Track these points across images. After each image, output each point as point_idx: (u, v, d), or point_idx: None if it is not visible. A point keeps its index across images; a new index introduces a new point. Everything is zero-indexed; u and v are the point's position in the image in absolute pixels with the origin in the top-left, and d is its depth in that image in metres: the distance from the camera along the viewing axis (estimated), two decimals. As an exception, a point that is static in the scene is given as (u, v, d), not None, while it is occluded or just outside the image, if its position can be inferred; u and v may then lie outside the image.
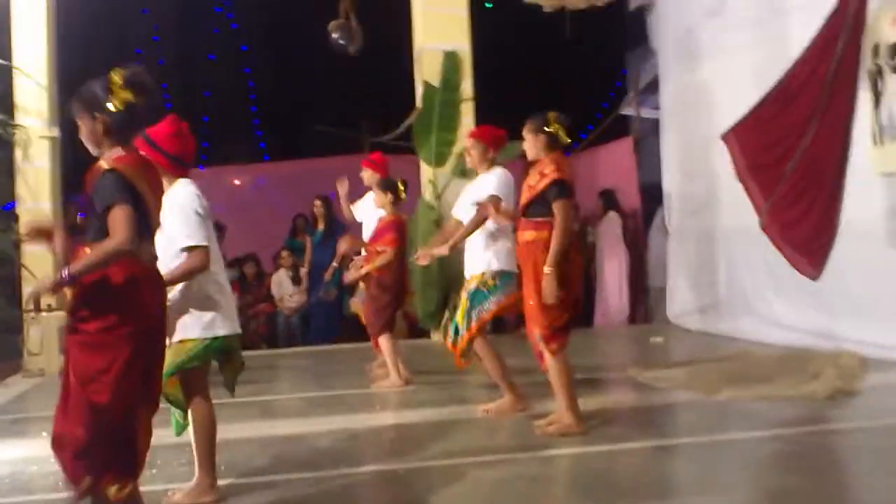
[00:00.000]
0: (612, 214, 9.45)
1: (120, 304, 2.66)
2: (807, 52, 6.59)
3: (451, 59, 8.56)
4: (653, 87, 9.90)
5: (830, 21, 6.32)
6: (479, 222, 4.77)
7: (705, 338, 7.80)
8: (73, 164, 8.13)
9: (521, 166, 5.60)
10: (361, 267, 6.11)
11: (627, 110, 10.50)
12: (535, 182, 4.24)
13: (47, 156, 8.06)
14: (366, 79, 11.03)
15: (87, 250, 2.66)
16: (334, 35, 8.37)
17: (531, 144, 4.35)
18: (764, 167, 7.25)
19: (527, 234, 4.27)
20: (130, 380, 2.65)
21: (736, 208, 7.59)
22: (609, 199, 9.54)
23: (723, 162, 7.68)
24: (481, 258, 4.83)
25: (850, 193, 6.29)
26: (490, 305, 4.77)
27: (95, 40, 10.40)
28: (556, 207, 4.15)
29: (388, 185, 6.04)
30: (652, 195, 9.85)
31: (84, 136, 2.80)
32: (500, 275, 4.78)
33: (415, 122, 8.68)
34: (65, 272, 2.56)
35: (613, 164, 10.36)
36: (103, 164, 2.69)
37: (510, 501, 3.42)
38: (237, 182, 12.25)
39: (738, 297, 7.69)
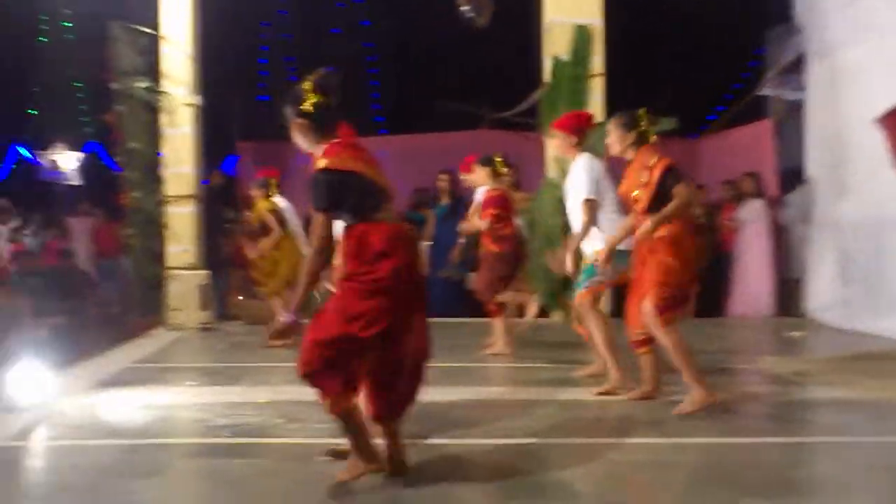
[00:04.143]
0: (759, 201, 8.95)
1: (381, 261, 3.03)
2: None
3: (581, 33, 8.30)
4: (794, 67, 9.44)
5: None
6: (588, 225, 4.99)
7: (846, 335, 7.38)
8: (212, 131, 8.48)
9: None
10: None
11: (766, 91, 10.04)
12: (646, 178, 4.26)
13: (190, 122, 8.40)
14: (489, 52, 10.94)
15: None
16: (463, 7, 8.30)
17: (617, 140, 4.46)
18: (924, 154, 6.75)
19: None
20: (380, 324, 3.01)
21: (888, 197, 7.12)
22: (757, 184, 9.06)
23: (875, 147, 7.19)
24: (598, 236, 5.00)
25: None
26: (602, 279, 4.94)
27: (233, 13, 10.76)
28: (676, 193, 4.19)
29: (485, 161, 6.34)
30: (787, 181, 9.42)
31: (294, 137, 3.23)
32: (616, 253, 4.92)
33: (541, 98, 8.53)
34: (289, 317, 3.18)
35: (747, 147, 9.93)
36: (317, 162, 3.11)
37: (642, 484, 3.36)
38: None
39: (887, 293, 7.22)
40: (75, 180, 14.55)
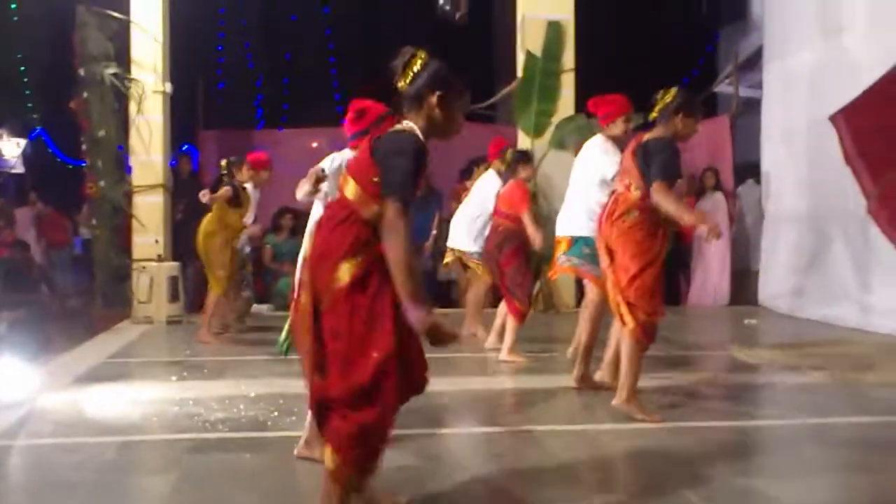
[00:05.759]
0: (719, 195, 9.26)
1: None
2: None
3: (554, 29, 8.50)
4: (750, 64, 9.72)
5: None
6: None
7: (799, 322, 7.74)
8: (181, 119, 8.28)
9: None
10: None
11: (722, 87, 10.32)
12: None
13: (160, 110, 8.24)
14: (459, 46, 10.98)
15: None
16: (441, 1, 8.34)
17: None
18: (875, 151, 7.06)
19: None
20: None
21: (839, 192, 7.41)
22: (717, 178, 9.37)
23: (828, 144, 7.47)
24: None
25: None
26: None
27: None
28: None
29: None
30: (740, 175, 9.71)
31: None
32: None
33: (515, 92, 8.67)
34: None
35: (705, 143, 10.16)
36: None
37: (633, 468, 3.51)
38: (314, 144, 12.32)
39: (836, 282, 7.57)
40: (18, 169, 14.06)
